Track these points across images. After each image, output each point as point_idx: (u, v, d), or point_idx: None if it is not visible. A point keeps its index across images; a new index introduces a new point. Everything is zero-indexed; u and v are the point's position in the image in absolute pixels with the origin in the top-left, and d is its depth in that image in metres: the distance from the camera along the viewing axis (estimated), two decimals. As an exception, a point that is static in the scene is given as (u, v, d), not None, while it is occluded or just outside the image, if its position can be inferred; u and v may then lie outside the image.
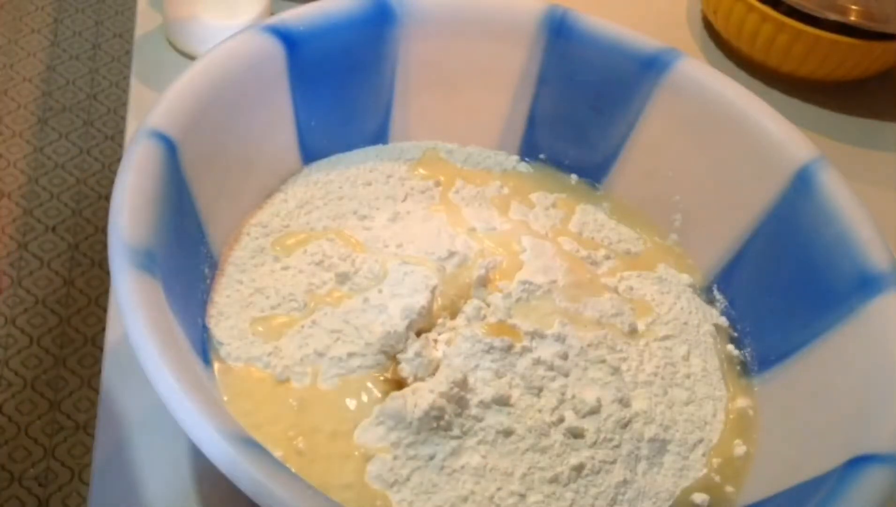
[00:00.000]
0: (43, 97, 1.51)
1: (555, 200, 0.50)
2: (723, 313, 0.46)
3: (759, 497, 0.38)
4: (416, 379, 0.39)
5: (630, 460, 0.39)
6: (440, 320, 0.41)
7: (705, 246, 0.47)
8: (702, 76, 0.46)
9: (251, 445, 0.30)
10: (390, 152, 0.50)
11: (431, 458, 0.37)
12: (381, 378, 0.39)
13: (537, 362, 0.40)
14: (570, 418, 0.39)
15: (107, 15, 1.66)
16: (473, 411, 0.38)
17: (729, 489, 0.40)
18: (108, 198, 0.36)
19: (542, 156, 0.51)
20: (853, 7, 0.60)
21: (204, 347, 0.39)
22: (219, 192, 0.42)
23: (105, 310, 1.22)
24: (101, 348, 1.20)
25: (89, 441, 1.13)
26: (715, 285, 0.47)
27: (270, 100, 0.45)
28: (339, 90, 0.47)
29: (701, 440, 0.41)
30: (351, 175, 0.48)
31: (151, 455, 0.40)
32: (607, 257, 0.47)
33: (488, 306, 0.42)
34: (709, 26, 0.69)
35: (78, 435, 1.13)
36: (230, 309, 0.41)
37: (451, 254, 0.43)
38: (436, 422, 0.37)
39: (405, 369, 0.39)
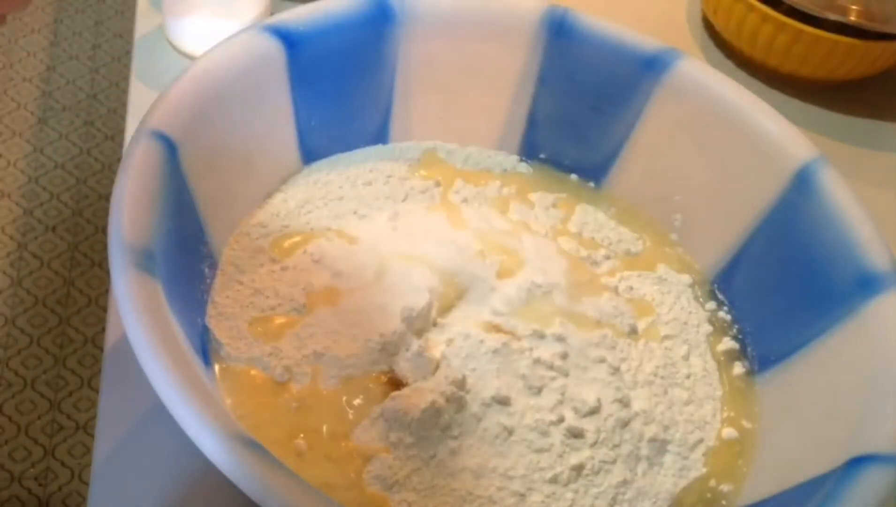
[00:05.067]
0: (43, 97, 1.51)
1: (555, 200, 0.50)
2: (723, 312, 0.46)
3: (760, 497, 0.38)
4: (415, 379, 0.39)
5: (630, 460, 0.39)
6: (440, 321, 0.41)
7: (705, 246, 0.47)
8: (702, 76, 0.46)
9: (251, 445, 0.30)
10: (390, 152, 0.50)
11: (431, 458, 0.37)
12: (381, 378, 0.39)
13: (537, 361, 0.40)
14: (570, 418, 0.39)
15: (107, 15, 1.66)
16: (473, 411, 0.38)
17: (728, 489, 0.40)
18: (108, 198, 0.36)
19: (542, 156, 0.51)
20: (853, 7, 0.60)
21: (204, 347, 0.39)
22: (219, 192, 0.42)
23: (105, 310, 1.22)
24: (101, 348, 1.20)
25: (89, 441, 1.13)
26: (715, 285, 0.47)
27: (270, 100, 0.45)
28: (339, 90, 0.47)
29: (701, 440, 0.41)
30: (351, 175, 0.48)
31: (151, 455, 0.40)
32: (607, 257, 0.47)
33: (488, 306, 0.42)
34: (709, 26, 0.69)
35: (78, 435, 1.13)
36: (230, 309, 0.41)
37: (451, 254, 0.43)
38: (435, 422, 0.37)
39: (405, 369, 0.39)
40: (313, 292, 0.42)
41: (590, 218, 0.49)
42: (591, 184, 0.51)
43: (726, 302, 0.46)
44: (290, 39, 0.44)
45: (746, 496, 0.39)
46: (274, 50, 0.44)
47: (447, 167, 0.50)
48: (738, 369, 0.44)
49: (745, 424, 0.42)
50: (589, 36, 0.47)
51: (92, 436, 1.11)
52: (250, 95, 0.43)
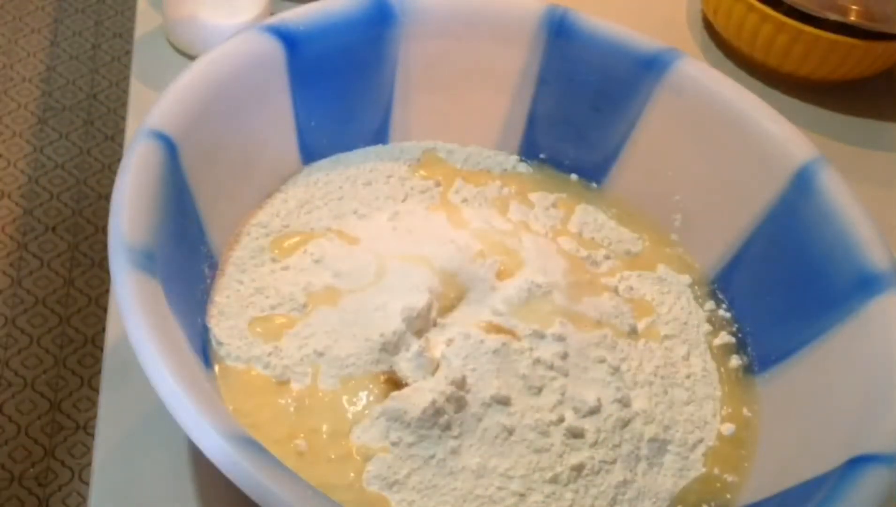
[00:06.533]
0: (43, 97, 1.51)
1: (555, 200, 0.50)
2: (723, 312, 0.46)
3: (760, 497, 0.38)
4: (415, 379, 0.39)
5: (630, 460, 0.39)
6: (440, 321, 0.41)
7: (705, 246, 0.47)
8: (702, 76, 0.46)
9: (251, 445, 0.30)
10: (390, 152, 0.50)
11: (431, 458, 0.37)
12: (381, 378, 0.39)
13: (537, 361, 0.40)
14: (570, 418, 0.39)
15: (107, 15, 1.66)
16: (473, 410, 0.38)
17: (733, 480, 0.40)
18: (108, 198, 0.36)
19: (542, 156, 0.51)
20: (853, 7, 0.60)
21: (204, 347, 0.39)
22: (219, 192, 0.42)
23: (105, 310, 1.22)
24: (101, 348, 1.20)
25: (89, 441, 1.13)
26: (715, 285, 0.47)
27: (270, 100, 0.45)
28: (339, 90, 0.47)
29: (701, 440, 0.41)
30: (351, 175, 0.48)
31: (151, 455, 0.40)
32: (607, 257, 0.47)
33: (488, 306, 0.42)
34: (709, 26, 0.69)
35: (78, 435, 1.13)
36: (230, 309, 0.41)
37: (451, 254, 0.43)
38: (435, 422, 0.37)
39: (405, 369, 0.39)
40: (313, 292, 0.42)
41: (590, 218, 0.49)
42: (592, 184, 0.51)
43: (726, 302, 0.46)
44: (290, 39, 0.44)
45: (747, 495, 0.39)
46: (274, 50, 0.44)
47: (447, 167, 0.50)
48: (735, 362, 0.44)
49: (746, 417, 0.42)
50: (589, 36, 0.47)
51: (92, 436, 1.11)
52: (250, 95, 0.43)
